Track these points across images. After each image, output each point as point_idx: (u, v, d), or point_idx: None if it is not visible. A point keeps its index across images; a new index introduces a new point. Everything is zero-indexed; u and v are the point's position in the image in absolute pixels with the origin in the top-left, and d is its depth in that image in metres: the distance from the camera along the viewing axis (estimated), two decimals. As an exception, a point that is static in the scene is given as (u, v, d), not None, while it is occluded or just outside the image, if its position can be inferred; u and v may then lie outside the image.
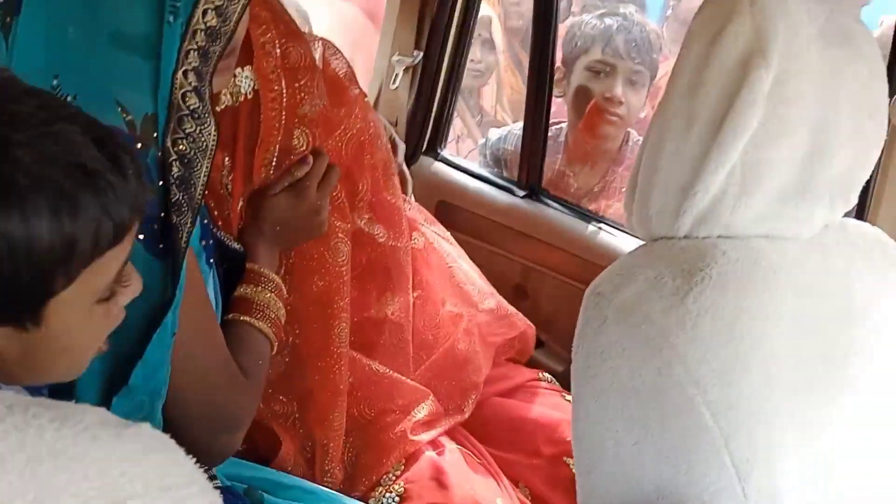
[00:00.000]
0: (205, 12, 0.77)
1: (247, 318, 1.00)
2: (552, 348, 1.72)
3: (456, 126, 2.51)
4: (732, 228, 0.80)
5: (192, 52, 0.78)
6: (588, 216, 1.75)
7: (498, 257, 1.78)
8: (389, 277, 1.27)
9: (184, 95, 0.79)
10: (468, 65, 2.40)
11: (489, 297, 1.48)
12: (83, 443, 0.37)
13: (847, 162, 0.84)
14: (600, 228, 1.70)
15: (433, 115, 1.98)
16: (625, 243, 1.64)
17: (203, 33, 0.78)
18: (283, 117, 1.05)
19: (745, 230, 0.81)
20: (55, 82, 0.74)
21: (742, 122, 0.74)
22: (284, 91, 1.05)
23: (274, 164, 1.05)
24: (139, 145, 0.77)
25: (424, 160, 1.99)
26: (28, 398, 0.41)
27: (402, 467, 1.21)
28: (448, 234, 1.54)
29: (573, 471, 1.29)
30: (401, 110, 1.95)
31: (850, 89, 0.82)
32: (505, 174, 1.94)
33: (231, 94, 1.02)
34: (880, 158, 1.24)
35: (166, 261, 0.80)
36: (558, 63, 1.91)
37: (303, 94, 1.08)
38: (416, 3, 1.86)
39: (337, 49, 1.21)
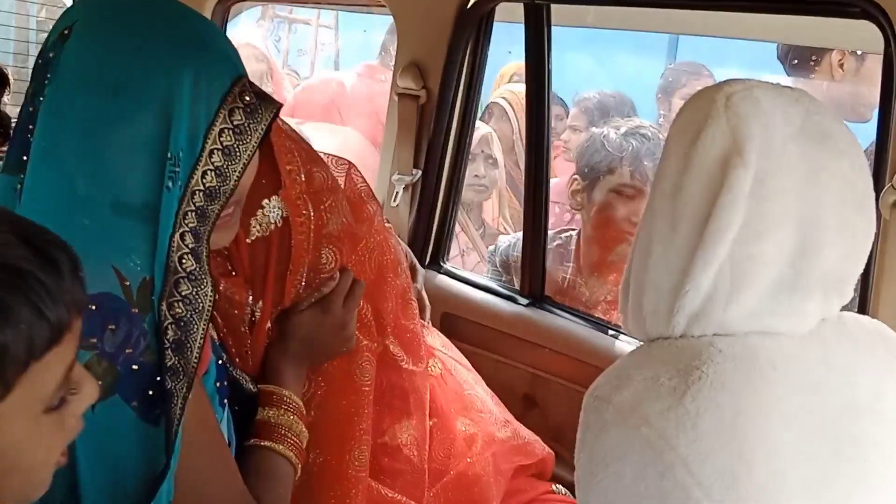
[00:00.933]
0: (204, 174, 0.78)
1: (268, 444, 0.97)
2: (564, 458, 1.69)
3: (460, 240, 2.55)
4: (727, 326, 0.80)
5: (189, 213, 0.79)
6: (593, 322, 1.75)
7: (505, 367, 1.77)
8: (408, 402, 1.26)
9: (180, 258, 0.79)
10: (472, 180, 2.48)
11: (504, 426, 1.45)
12: None
13: (837, 256, 0.85)
14: (606, 334, 1.70)
15: (434, 229, 2.02)
16: (630, 347, 1.63)
17: (201, 194, 0.79)
18: (311, 239, 1.07)
19: (740, 327, 0.81)
20: None
21: (725, 220, 0.75)
22: (312, 214, 1.07)
23: (303, 283, 1.07)
24: (135, 310, 0.76)
25: (428, 273, 2.01)
26: None
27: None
28: (465, 360, 1.52)
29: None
30: (402, 227, 1.99)
31: (833, 185, 0.83)
32: (515, 280, 1.96)
33: (261, 224, 1.04)
34: (875, 252, 1.26)
35: (160, 427, 0.78)
36: (574, 174, 1.94)
37: (328, 215, 1.10)
38: (413, 124, 1.93)
39: (352, 165, 1.25)
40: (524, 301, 1.84)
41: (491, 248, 2.19)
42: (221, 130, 0.78)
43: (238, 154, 0.79)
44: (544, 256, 1.85)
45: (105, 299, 0.74)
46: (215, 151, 0.78)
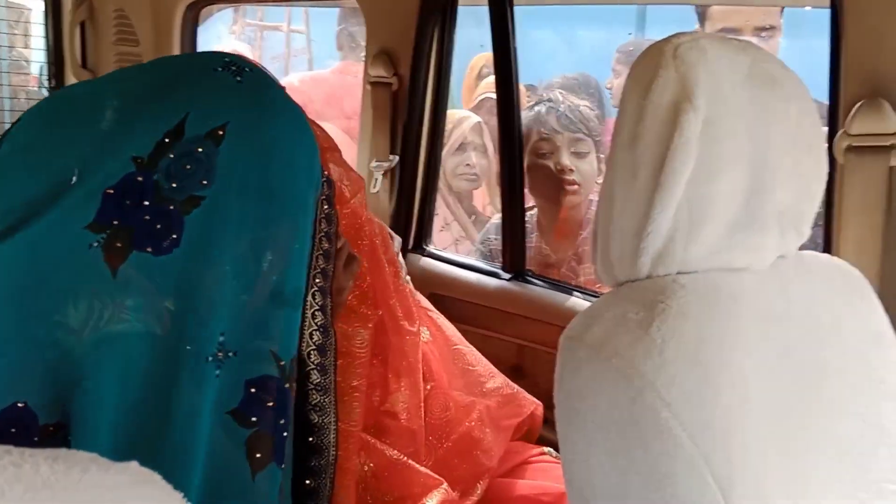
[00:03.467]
0: (320, 240, 0.91)
1: None
2: (554, 423, 1.73)
3: (453, 229, 2.59)
4: (689, 264, 0.85)
5: (317, 275, 0.92)
6: (572, 289, 1.80)
7: (493, 340, 1.82)
8: (402, 364, 1.32)
9: (314, 314, 0.93)
10: (463, 169, 2.51)
11: (494, 377, 1.52)
12: (75, 475, 0.41)
13: (791, 195, 0.90)
14: (588, 301, 1.75)
15: (416, 213, 2.06)
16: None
17: (322, 257, 0.92)
18: None
19: (702, 265, 0.86)
20: (221, 339, 0.77)
21: (679, 162, 0.80)
22: None
23: None
24: (287, 385, 0.82)
25: (412, 257, 2.05)
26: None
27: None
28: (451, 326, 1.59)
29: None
30: (384, 212, 2.04)
31: (781, 128, 0.88)
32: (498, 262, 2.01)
33: None
34: (833, 195, 1.32)
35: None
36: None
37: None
38: (387, 111, 1.97)
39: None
40: (507, 276, 1.88)
41: (481, 234, 2.24)
42: (322, 200, 0.90)
43: (332, 218, 0.94)
44: (523, 232, 1.89)
45: (265, 381, 0.80)
46: (322, 220, 0.91)
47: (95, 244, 0.74)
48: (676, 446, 0.72)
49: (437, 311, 1.58)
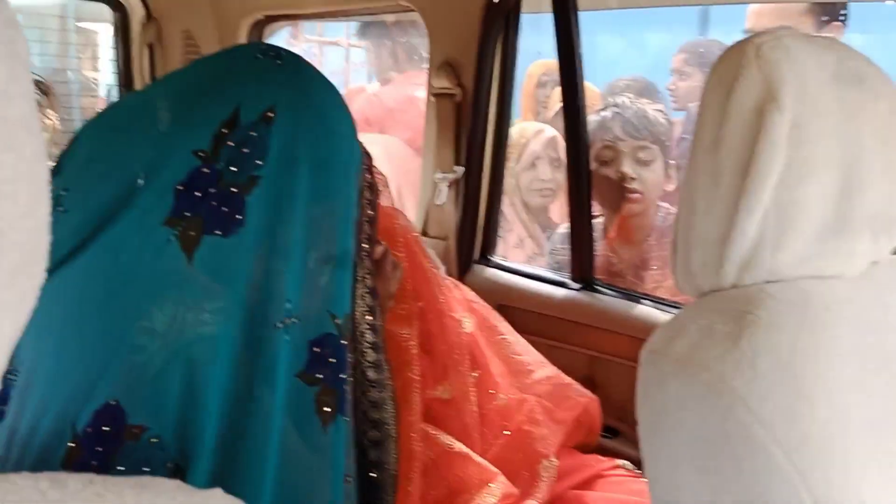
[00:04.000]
0: (364, 206, 0.96)
1: None
2: (629, 436, 1.69)
3: (527, 246, 2.55)
4: (777, 272, 0.81)
5: (363, 240, 0.96)
6: (642, 298, 1.76)
7: (562, 351, 1.79)
8: (450, 358, 1.31)
9: (363, 277, 0.97)
10: (537, 184, 2.47)
11: (543, 366, 1.50)
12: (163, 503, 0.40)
13: (883, 197, 0.85)
14: (659, 310, 1.71)
15: (481, 224, 2.04)
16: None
17: (367, 224, 0.97)
18: None
19: (791, 273, 0.82)
20: (288, 306, 0.82)
21: (765, 166, 0.77)
22: None
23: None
24: (344, 342, 0.87)
25: (478, 268, 2.03)
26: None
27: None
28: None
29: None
30: (449, 225, 2.02)
31: (872, 127, 0.84)
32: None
33: None
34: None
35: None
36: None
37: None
38: (451, 122, 1.96)
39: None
40: (575, 286, 1.85)
41: (549, 244, 2.21)
42: (363, 170, 0.95)
43: (374, 187, 0.99)
44: (591, 241, 1.86)
45: (326, 339, 0.85)
46: (364, 188, 0.96)
47: (172, 238, 0.79)
48: (771, 465, 0.69)
49: (483, 302, 1.57)
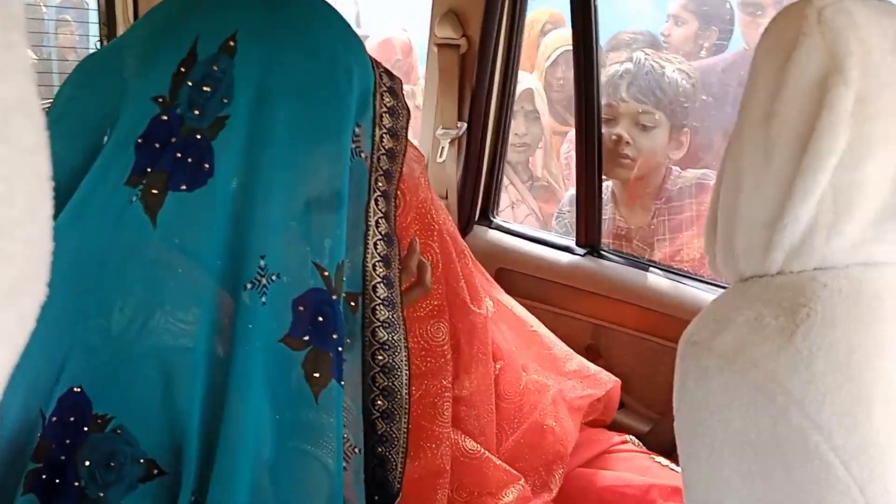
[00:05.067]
0: (381, 137, 0.82)
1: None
2: (633, 408, 1.65)
3: (510, 193, 2.49)
4: (828, 259, 0.75)
5: (378, 177, 0.83)
6: (653, 267, 1.70)
7: (565, 319, 1.73)
8: (473, 348, 1.25)
9: (377, 222, 0.83)
10: (514, 139, 2.40)
11: (571, 359, 1.46)
12: None
13: (939, 178, 0.79)
14: (668, 279, 1.65)
15: (482, 183, 1.97)
16: (692, 291, 1.59)
17: (384, 157, 0.83)
18: None
19: (842, 260, 0.75)
20: (262, 262, 0.73)
21: (827, 144, 0.70)
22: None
23: None
24: (335, 297, 0.77)
25: (479, 229, 1.97)
26: None
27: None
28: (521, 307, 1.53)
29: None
30: (450, 183, 1.95)
31: (932, 102, 0.77)
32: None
33: None
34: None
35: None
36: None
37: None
38: (455, 75, 1.87)
39: None
40: (581, 251, 1.79)
41: (558, 209, 2.13)
42: (382, 94, 0.82)
43: (398, 112, 0.84)
44: (600, 205, 1.79)
45: (311, 295, 0.75)
46: (384, 115, 0.82)
47: (135, 198, 0.71)
48: (828, 474, 0.63)
49: (501, 289, 1.51)
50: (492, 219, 1.98)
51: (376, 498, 0.89)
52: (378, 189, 0.84)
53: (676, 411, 0.74)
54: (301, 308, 0.74)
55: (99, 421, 0.71)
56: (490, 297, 1.38)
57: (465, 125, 1.89)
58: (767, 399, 0.65)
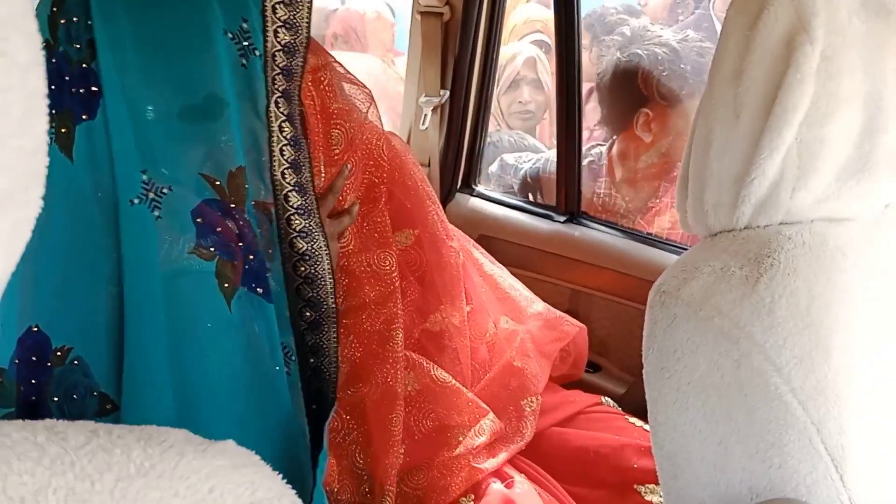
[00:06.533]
0: (276, 32, 0.78)
1: None
2: (610, 371, 1.69)
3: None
4: (793, 214, 0.78)
5: (277, 77, 0.79)
6: (631, 233, 1.73)
7: (545, 285, 1.76)
8: (445, 288, 1.27)
9: (280, 126, 0.81)
10: (516, 107, 2.40)
11: (536, 302, 1.48)
12: (170, 460, 0.36)
13: (903, 136, 0.82)
14: (646, 244, 1.68)
15: (465, 151, 1.98)
16: (670, 257, 1.61)
17: (281, 53, 0.79)
18: (320, 120, 1.05)
19: (807, 214, 0.78)
20: (144, 177, 0.74)
21: (793, 101, 0.72)
22: (314, 94, 1.05)
23: (324, 174, 1.05)
24: (232, 206, 0.77)
25: (461, 197, 1.99)
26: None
27: (472, 501, 1.18)
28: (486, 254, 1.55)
29: (644, 498, 1.26)
30: (433, 150, 1.96)
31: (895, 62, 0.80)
32: (540, 200, 1.94)
33: None
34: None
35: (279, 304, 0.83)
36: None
37: (329, 92, 1.08)
38: (437, 43, 1.88)
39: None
40: (561, 218, 1.82)
41: (493, 168, 2.13)
42: None
43: (296, 1, 0.79)
44: (579, 172, 1.81)
45: (205, 206, 0.75)
46: (277, 6, 0.78)
47: (50, 139, 0.72)
48: (787, 414, 0.66)
49: (462, 233, 1.53)
50: (473, 186, 2.00)
51: (314, 406, 0.90)
52: (276, 90, 0.80)
53: (645, 358, 0.76)
54: (199, 220, 0.75)
55: (59, 353, 0.73)
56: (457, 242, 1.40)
57: (448, 93, 1.90)
58: (731, 343, 0.68)
